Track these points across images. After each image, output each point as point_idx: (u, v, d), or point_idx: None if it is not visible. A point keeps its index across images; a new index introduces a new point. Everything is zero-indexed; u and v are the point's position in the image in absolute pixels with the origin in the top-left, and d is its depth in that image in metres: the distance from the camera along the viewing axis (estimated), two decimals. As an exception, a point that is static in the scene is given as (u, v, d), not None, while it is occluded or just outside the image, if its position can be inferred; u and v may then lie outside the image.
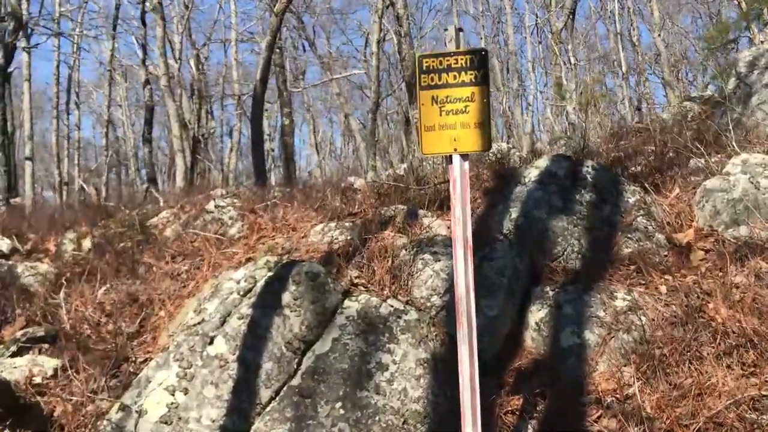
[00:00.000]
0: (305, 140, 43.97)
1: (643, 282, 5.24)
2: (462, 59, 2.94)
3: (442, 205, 6.29)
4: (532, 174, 6.05)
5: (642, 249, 5.74)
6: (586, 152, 7.78)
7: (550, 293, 5.05)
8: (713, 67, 26.89)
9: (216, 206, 6.54)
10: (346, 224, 5.46)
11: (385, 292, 4.39)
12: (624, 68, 31.06)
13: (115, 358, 4.25)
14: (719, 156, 8.41)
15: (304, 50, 29.53)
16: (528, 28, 32.91)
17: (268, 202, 7.08)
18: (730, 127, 9.15)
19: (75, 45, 27.31)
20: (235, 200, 7.54)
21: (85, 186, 26.97)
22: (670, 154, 9.72)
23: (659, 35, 27.25)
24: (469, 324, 2.87)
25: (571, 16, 17.28)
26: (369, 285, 4.48)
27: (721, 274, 5.37)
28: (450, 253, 4.93)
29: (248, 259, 5.17)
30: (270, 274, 4.21)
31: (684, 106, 16.06)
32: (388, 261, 4.72)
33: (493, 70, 26.21)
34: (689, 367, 4.35)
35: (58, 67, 25.36)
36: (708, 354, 4.44)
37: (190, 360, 3.87)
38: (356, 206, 6.23)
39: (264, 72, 13.12)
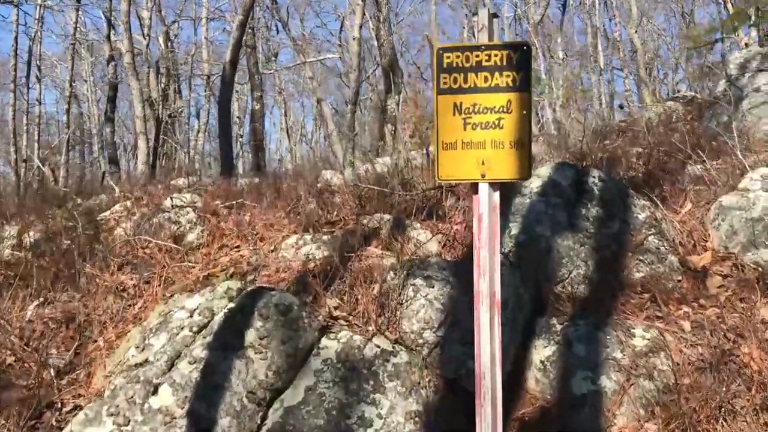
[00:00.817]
0: (276, 123, 42.87)
1: (661, 315, 4.62)
2: (497, 56, 2.22)
3: (431, 213, 5.59)
4: (533, 184, 5.35)
5: (654, 273, 5.13)
6: (581, 156, 7.11)
7: (558, 327, 4.38)
8: (696, 68, 26.65)
9: (173, 206, 5.73)
10: (324, 237, 4.71)
11: (370, 328, 3.67)
12: (602, 64, 30.64)
13: (37, 403, 3.45)
14: (718, 162, 7.89)
15: (277, 31, 28.62)
16: (507, 19, 32.29)
17: (234, 202, 6.29)
18: (735, 134, 8.63)
19: (38, 16, 25.89)
20: (196, 198, 6.73)
21: (41, 165, 25.64)
22: (664, 158, 9.21)
23: (636, 32, 26.87)
24: (493, 408, 2.15)
25: (561, 9, 16.66)
26: (351, 317, 3.76)
27: (744, 306, 4.80)
28: (445, 278, 4.24)
29: (207, 277, 4.40)
30: (231, 305, 3.45)
31: (668, 106, 15.63)
32: (373, 287, 3.99)
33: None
34: (722, 424, 3.72)
35: (16, 38, 23.98)
36: (742, 408, 3.82)
37: (128, 414, 3.10)
38: (335, 212, 5.48)
39: (234, 53, 12.23)
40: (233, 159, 12.59)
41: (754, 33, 19.51)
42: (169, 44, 26.44)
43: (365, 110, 34.71)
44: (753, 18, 17.22)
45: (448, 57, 2.30)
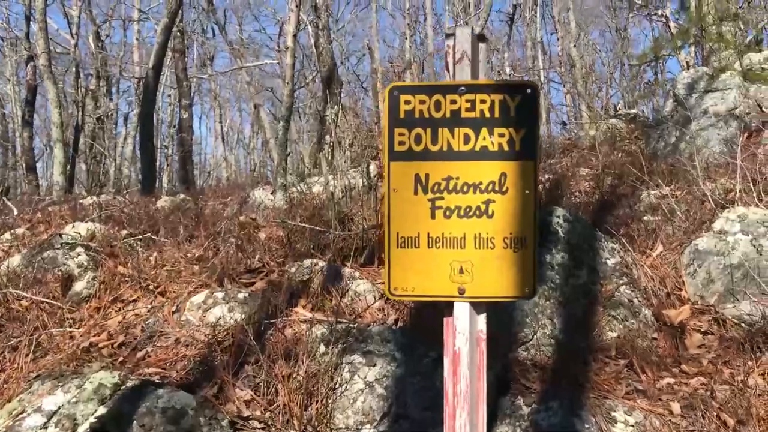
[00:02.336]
0: (211, 128, 41.37)
1: (642, 388, 3.92)
2: (484, 102, 1.41)
3: (372, 256, 4.79)
4: (491, 225, 4.59)
5: (629, 331, 4.48)
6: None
7: (525, 409, 3.61)
8: (630, 84, 26.81)
9: (63, 244, 4.73)
10: (241, 294, 3.83)
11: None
12: (543, 78, 30.56)
13: None
14: (673, 187, 7.46)
15: (214, 35, 27.46)
16: (447, 29, 31.84)
17: (141, 237, 5.34)
18: (688, 158, 8.21)
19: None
20: (99, 227, 5.73)
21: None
22: (614, 182, 8.76)
23: (574, 46, 26.89)
24: None
25: (509, 24, 16.24)
26: (268, 414, 2.89)
27: (731, 372, 4.19)
28: (390, 353, 3.42)
29: (88, 349, 3.45)
30: (102, 411, 2.54)
31: (611, 123, 15.39)
32: (298, 368, 3.14)
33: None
34: None
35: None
36: None
37: None
38: (258, 255, 4.60)
39: (158, 59, 11.20)
40: (155, 174, 11.52)
41: (693, 52, 19.58)
42: (100, 44, 25.04)
43: (304, 116, 33.79)
44: (693, 38, 17.20)
45: (408, 101, 1.47)
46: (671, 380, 4.08)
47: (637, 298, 4.72)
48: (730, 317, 4.73)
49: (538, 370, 4.00)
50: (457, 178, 1.48)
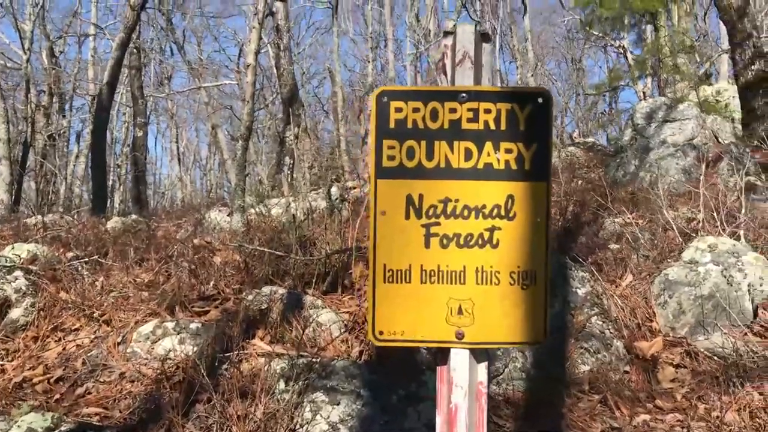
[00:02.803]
0: (167, 147, 40.62)
1: (618, 426, 3.75)
2: (489, 112, 1.20)
3: (335, 283, 4.55)
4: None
5: (601, 364, 4.34)
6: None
7: (499, 449, 3.39)
8: (595, 115, 27.32)
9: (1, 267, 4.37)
10: (193, 325, 3.53)
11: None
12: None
13: None
14: (634, 215, 7.44)
15: (172, 54, 27.05)
16: (408, 56, 32.08)
17: (87, 260, 5.00)
18: (657, 188, 8.21)
19: None
20: (43, 249, 5.36)
21: None
22: (577, 210, 8.73)
23: (532, 75, 27.37)
24: None
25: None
26: (221, 459, 2.60)
27: (706, 407, 4.07)
28: (355, 390, 3.18)
29: (21, 384, 3.11)
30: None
31: (570, 151, 15.52)
32: (255, 407, 2.86)
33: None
34: None
35: None
36: None
37: None
38: (212, 281, 4.31)
39: (113, 75, 10.84)
40: (107, 193, 11.08)
41: (649, 82, 20.04)
42: (54, 60, 24.40)
43: (263, 138, 33.45)
44: (650, 69, 17.61)
45: (399, 109, 1.23)
46: (646, 417, 3.93)
47: (608, 329, 4.58)
48: (702, 350, 4.63)
49: (511, 406, 3.80)
50: (457, 201, 1.25)
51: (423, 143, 1.28)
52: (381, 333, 1.30)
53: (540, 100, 1.26)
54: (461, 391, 1.26)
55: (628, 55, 19.59)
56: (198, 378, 3.00)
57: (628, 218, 7.06)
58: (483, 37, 1.25)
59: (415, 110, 1.28)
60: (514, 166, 1.27)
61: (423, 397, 3.20)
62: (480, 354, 1.34)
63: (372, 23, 27.03)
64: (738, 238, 5.64)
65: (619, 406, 4.00)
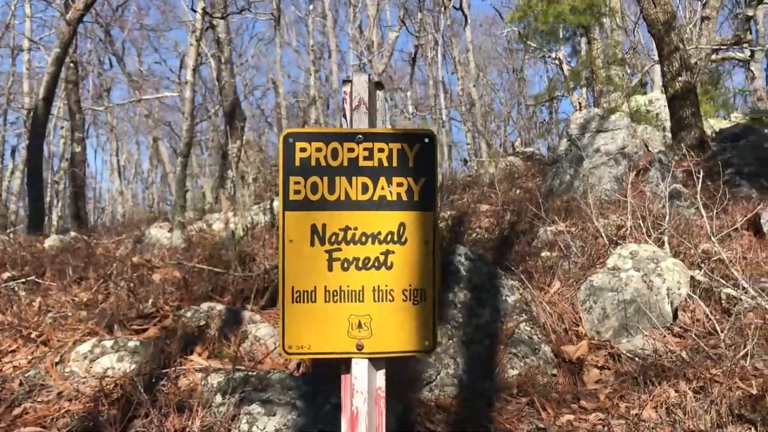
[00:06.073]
0: (107, 161, 39.74)
1: (543, 427, 3.95)
2: (383, 151, 1.38)
3: (274, 299, 4.65)
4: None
5: (529, 368, 4.54)
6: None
7: (429, 454, 3.56)
8: (527, 122, 27.94)
9: (-68, 289, 4.33)
10: (131, 343, 3.59)
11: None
12: (444, 116, 31.41)
13: None
14: (568, 223, 7.71)
15: (111, 66, 26.60)
16: (352, 67, 32.34)
17: (24, 280, 4.98)
18: (582, 195, 8.54)
19: None
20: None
21: None
22: (513, 219, 8.97)
23: (474, 86, 27.84)
24: None
25: (411, 63, 16.59)
26: (158, 473, 2.69)
27: (626, 406, 4.30)
28: (291, 401, 3.30)
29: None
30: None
31: (509, 161, 15.85)
32: (192, 420, 2.96)
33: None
34: None
35: None
36: None
37: None
38: (151, 299, 4.37)
39: (49, 90, 10.66)
40: (44, 210, 10.87)
41: (584, 93, 20.68)
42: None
43: (206, 150, 33.14)
44: (584, 80, 18.19)
45: (303, 149, 1.41)
46: (571, 417, 4.14)
47: (536, 335, 4.80)
48: (624, 352, 4.87)
49: (442, 411, 3.97)
50: (356, 229, 1.43)
51: (325, 179, 1.45)
52: (290, 347, 1.46)
53: (426, 140, 1.45)
54: (362, 397, 1.42)
55: (564, 66, 20.16)
56: (136, 395, 3.08)
57: (561, 227, 7.31)
58: (377, 85, 1.43)
59: (318, 150, 1.46)
60: (404, 198, 1.45)
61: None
62: (378, 362, 1.50)
63: (314, 34, 27.18)
64: (662, 245, 5.94)
65: (545, 408, 4.20)
